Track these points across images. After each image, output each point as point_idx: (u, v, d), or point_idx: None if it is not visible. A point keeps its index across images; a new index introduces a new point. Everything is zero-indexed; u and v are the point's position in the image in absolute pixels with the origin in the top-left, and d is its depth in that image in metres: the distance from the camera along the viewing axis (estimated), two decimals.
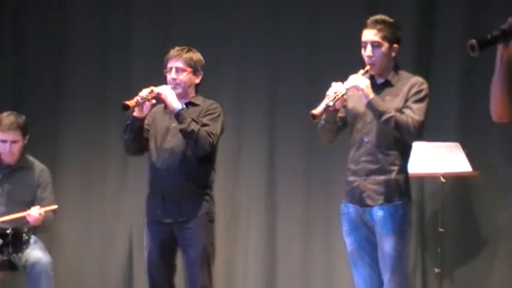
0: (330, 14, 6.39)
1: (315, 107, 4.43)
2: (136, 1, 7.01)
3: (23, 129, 5.82)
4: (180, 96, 4.95)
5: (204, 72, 5.09)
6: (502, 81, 3.25)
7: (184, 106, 4.93)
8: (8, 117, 5.79)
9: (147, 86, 4.90)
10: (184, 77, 4.99)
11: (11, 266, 5.61)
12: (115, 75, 6.96)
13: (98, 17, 7.13)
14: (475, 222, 5.98)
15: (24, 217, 5.64)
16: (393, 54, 4.55)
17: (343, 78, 4.56)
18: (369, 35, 4.53)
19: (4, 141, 5.77)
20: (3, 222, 5.65)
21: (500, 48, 3.18)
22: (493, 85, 3.28)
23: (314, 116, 4.43)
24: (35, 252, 5.59)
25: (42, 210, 5.67)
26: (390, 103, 4.48)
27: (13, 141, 5.78)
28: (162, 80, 5.00)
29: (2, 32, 7.37)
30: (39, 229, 5.82)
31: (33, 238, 5.62)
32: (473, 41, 3.10)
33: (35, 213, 5.61)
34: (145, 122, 5.05)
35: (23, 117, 5.86)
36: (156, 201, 5.00)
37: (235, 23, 6.71)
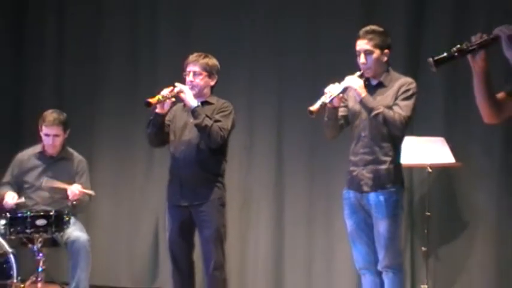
0: (330, 18, 6.36)
1: (312, 104, 4.47)
2: (161, 12, 7.00)
3: (64, 124, 5.84)
4: (196, 96, 4.98)
5: (219, 75, 5.13)
6: (480, 89, 3.27)
7: (199, 104, 4.97)
8: (52, 114, 5.82)
9: (169, 86, 4.97)
10: (200, 80, 5.03)
11: (54, 243, 5.61)
12: (143, 76, 6.98)
13: (128, 24, 7.16)
14: (457, 207, 5.97)
15: (66, 195, 5.65)
16: (385, 58, 4.58)
17: (342, 78, 4.58)
18: (362, 44, 4.57)
19: (48, 135, 5.81)
20: (49, 188, 5.71)
21: (470, 61, 3.20)
22: (476, 94, 3.28)
23: (311, 112, 4.46)
24: (75, 232, 5.59)
25: (81, 189, 5.70)
26: (382, 101, 4.51)
27: (55, 135, 5.81)
28: (182, 81, 5.03)
29: (47, 39, 7.38)
30: (77, 210, 5.85)
31: (72, 219, 5.61)
32: (430, 60, 3.16)
33: (75, 189, 5.64)
34: (167, 118, 5.08)
35: (64, 114, 5.89)
36: (175, 187, 5.07)
37: (247, 27, 6.69)
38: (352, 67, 4.65)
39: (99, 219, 6.94)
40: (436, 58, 3.17)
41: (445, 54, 3.17)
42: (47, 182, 5.77)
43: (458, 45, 3.17)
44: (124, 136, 7.03)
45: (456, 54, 3.16)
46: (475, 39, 3.16)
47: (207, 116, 4.93)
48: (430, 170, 5.76)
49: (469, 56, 3.19)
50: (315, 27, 6.46)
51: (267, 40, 6.62)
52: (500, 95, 3.34)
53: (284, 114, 6.54)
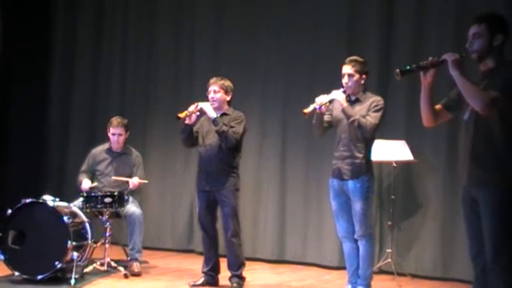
0: (324, 48, 6.28)
1: (306, 107, 4.50)
2: (198, 41, 6.93)
3: (126, 126, 5.92)
4: (216, 109, 5.04)
5: (233, 92, 5.15)
6: (425, 100, 3.36)
7: (219, 115, 5.02)
8: (117, 119, 5.91)
9: (194, 102, 5.03)
10: (219, 95, 5.08)
11: (117, 215, 5.68)
12: (182, 92, 6.95)
13: (171, 52, 7.12)
14: (414, 192, 5.97)
15: (127, 182, 5.72)
16: (362, 82, 4.62)
17: (331, 88, 4.63)
18: (346, 69, 4.61)
19: (114, 135, 5.87)
20: (116, 180, 5.71)
21: (421, 77, 3.31)
22: (421, 102, 3.38)
23: (304, 113, 4.49)
24: (132, 207, 5.66)
25: (139, 180, 5.76)
26: (358, 112, 4.54)
27: (119, 135, 5.88)
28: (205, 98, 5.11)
29: (115, 67, 7.37)
30: (135, 192, 5.89)
31: (130, 198, 5.65)
32: (397, 70, 3.28)
33: (135, 181, 5.72)
34: (196, 126, 5.12)
35: (126, 119, 5.98)
36: (202, 177, 5.12)
37: (261, 52, 6.62)
38: (339, 79, 4.68)
39: (150, 198, 6.95)
40: (401, 69, 3.28)
41: (407, 67, 3.27)
42: (114, 178, 5.77)
43: (416, 64, 3.26)
44: (168, 137, 6.97)
45: (415, 68, 3.26)
46: (428, 60, 3.25)
47: (224, 124, 4.99)
48: (395, 165, 5.79)
49: (421, 73, 3.28)
50: (312, 54, 6.39)
51: (275, 63, 6.56)
52: (438, 106, 3.44)
53: (287, 121, 6.48)
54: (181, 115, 4.96)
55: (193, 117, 5.01)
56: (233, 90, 5.18)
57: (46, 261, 4.89)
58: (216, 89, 5.10)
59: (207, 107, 5.01)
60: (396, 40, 6.08)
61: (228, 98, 5.15)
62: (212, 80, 5.15)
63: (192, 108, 4.99)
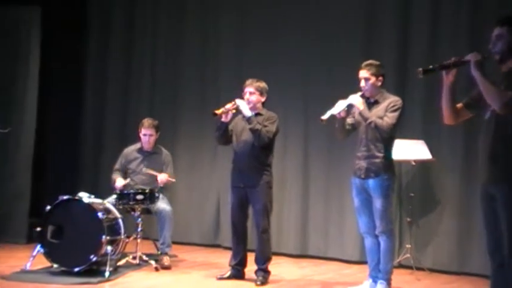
0: (340, 53, 6.28)
1: (323, 113, 4.49)
2: (223, 47, 6.97)
3: (156, 127, 5.94)
4: (251, 109, 5.03)
5: (268, 94, 5.15)
6: (446, 98, 3.37)
7: (253, 114, 5.01)
8: (148, 120, 5.94)
9: (230, 101, 5.03)
10: (254, 97, 5.09)
11: (148, 212, 5.69)
12: (209, 93, 6.97)
13: (199, 53, 7.14)
14: (432, 189, 5.95)
15: (157, 177, 5.73)
16: (379, 84, 4.61)
17: (350, 87, 4.65)
18: (363, 73, 4.61)
19: (145, 135, 5.90)
20: (147, 173, 5.73)
21: (443, 76, 3.31)
22: (442, 100, 3.39)
23: (322, 120, 4.48)
24: (162, 204, 5.68)
25: (167, 178, 5.77)
26: (376, 113, 4.53)
27: (150, 135, 5.90)
28: (240, 97, 5.09)
29: (145, 69, 7.40)
30: (164, 189, 5.89)
31: (161, 195, 5.67)
32: (420, 69, 3.28)
33: (163, 177, 5.75)
34: (230, 126, 5.11)
35: (156, 120, 5.99)
36: (235, 174, 5.11)
37: (283, 55, 6.60)
38: (358, 89, 4.66)
39: (179, 195, 6.96)
40: (424, 68, 3.27)
41: (430, 67, 3.26)
42: (145, 170, 5.83)
43: (439, 63, 3.24)
44: (196, 137, 7.07)
45: (438, 67, 3.25)
46: (451, 60, 3.25)
47: (258, 123, 4.98)
48: (414, 164, 5.77)
49: (444, 72, 3.27)
50: (331, 53, 6.39)
51: (296, 65, 6.54)
52: (459, 105, 3.43)
53: (308, 122, 6.46)
54: (218, 111, 4.93)
55: (229, 114, 4.99)
56: (268, 92, 5.16)
57: (82, 254, 4.97)
58: (252, 90, 5.09)
59: (243, 105, 4.99)
60: (412, 41, 6.04)
61: (263, 100, 5.13)
62: (248, 82, 5.12)
63: (229, 105, 4.97)
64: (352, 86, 4.75)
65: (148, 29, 7.52)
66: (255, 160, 5.02)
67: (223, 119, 5.02)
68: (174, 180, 5.92)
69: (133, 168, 5.97)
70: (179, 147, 7.13)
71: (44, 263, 5.13)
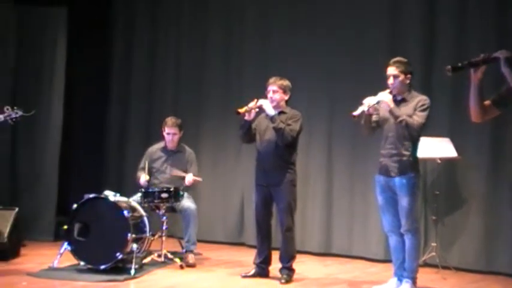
0: (367, 52, 6.25)
1: (354, 109, 4.44)
2: (247, 50, 6.99)
3: (180, 126, 5.92)
4: (275, 108, 5.00)
5: (291, 92, 5.11)
6: (474, 95, 3.27)
7: (277, 113, 4.98)
8: (171, 119, 5.92)
9: (253, 99, 4.99)
10: (277, 95, 5.06)
11: (173, 210, 5.69)
12: (233, 92, 6.98)
13: (222, 56, 7.12)
14: (458, 188, 5.91)
15: (184, 178, 5.73)
16: (407, 81, 4.57)
17: (375, 86, 4.60)
18: (391, 70, 4.58)
19: (169, 134, 5.89)
20: (174, 175, 5.75)
21: (471, 73, 3.21)
22: (470, 98, 3.30)
23: (354, 116, 4.45)
24: (187, 202, 5.67)
25: (194, 178, 5.75)
26: (404, 111, 4.50)
27: (174, 134, 5.89)
28: (263, 96, 5.08)
29: (169, 70, 7.44)
30: (189, 188, 5.85)
31: (185, 193, 5.66)
32: (449, 67, 3.16)
33: (189, 178, 5.73)
34: (253, 125, 5.10)
35: (179, 119, 5.98)
36: (260, 172, 5.09)
37: (306, 48, 6.57)
38: (383, 85, 4.63)
39: (203, 194, 6.97)
40: (453, 66, 3.19)
41: (459, 64, 3.18)
42: (172, 171, 5.84)
43: (467, 61, 3.17)
44: (219, 136, 7.10)
45: (466, 64, 3.17)
46: (480, 57, 3.17)
47: (281, 121, 4.96)
48: (439, 162, 5.75)
49: (472, 69, 3.19)
50: (357, 52, 6.35)
51: (320, 62, 6.51)
52: (487, 102, 3.34)
53: (332, 119, 6.47)
54: (241, 110, 4.92)
55: (253, 113, 4.98)
56: (291, 90, 5.13)
57: (108, 252, 5.00)
58: (275, 89, 5.07)
59: (266, 104, 4.97)
60: (438, 39, 6.00)
61: (286, 98, 5.11)
62: (271, 80, 5.10)
63: (252, 104, 4.95)
64: (378, 83, 4.69)
65: (172, 27, 7.55)
66: (279, 159, 5.00)
67: (246, 118, 5.01)
68: (200, 179, 5.89)
69: (157, 167, 5.97)
70: (203, 145, 7.16)
71: (71, 260, 5.17)
